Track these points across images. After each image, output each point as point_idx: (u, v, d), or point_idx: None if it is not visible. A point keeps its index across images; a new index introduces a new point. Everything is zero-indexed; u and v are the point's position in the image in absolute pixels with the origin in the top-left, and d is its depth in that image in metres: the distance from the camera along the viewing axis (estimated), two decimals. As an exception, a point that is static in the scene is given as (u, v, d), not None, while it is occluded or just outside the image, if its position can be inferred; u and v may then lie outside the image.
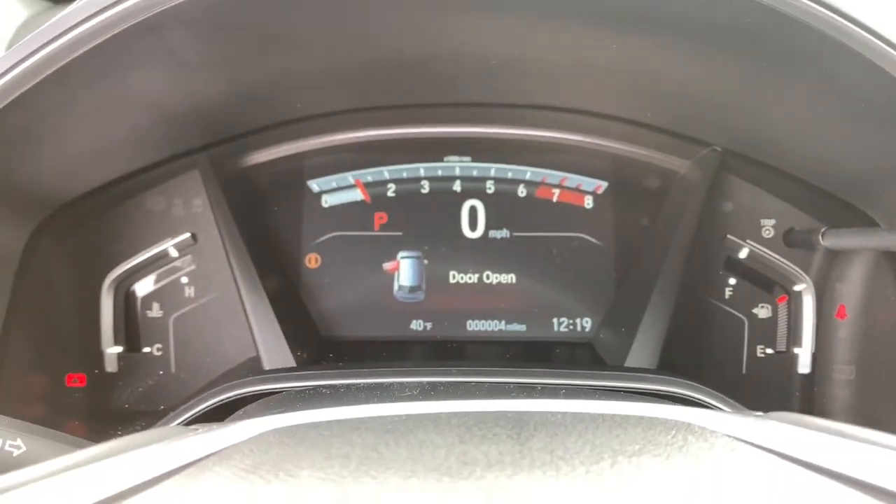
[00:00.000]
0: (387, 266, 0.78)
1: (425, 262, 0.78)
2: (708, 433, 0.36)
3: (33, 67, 0.48)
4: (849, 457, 0.35)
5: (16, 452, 0.48)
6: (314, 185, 0.78)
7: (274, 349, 0.66)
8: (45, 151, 0.58)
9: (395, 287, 0.77)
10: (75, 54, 0.47)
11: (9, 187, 0.60)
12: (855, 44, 0.48)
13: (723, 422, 0.39)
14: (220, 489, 0.30)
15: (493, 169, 0.78)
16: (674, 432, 0.37)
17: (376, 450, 0.34)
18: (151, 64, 0.54)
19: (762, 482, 0.31)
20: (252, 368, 0.69)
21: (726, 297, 0.75)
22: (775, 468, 0.33)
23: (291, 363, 0.66)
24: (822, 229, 0.71)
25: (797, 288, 0.75)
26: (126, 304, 0.75)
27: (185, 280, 0.75)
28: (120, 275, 0.74)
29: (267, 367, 0.65)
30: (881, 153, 0.60)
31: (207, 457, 0.34)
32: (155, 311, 0.75)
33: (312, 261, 0.78)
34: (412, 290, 0.78)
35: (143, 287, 0.75)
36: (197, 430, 0.40)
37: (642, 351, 0.67)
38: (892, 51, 0.48)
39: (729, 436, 0.37)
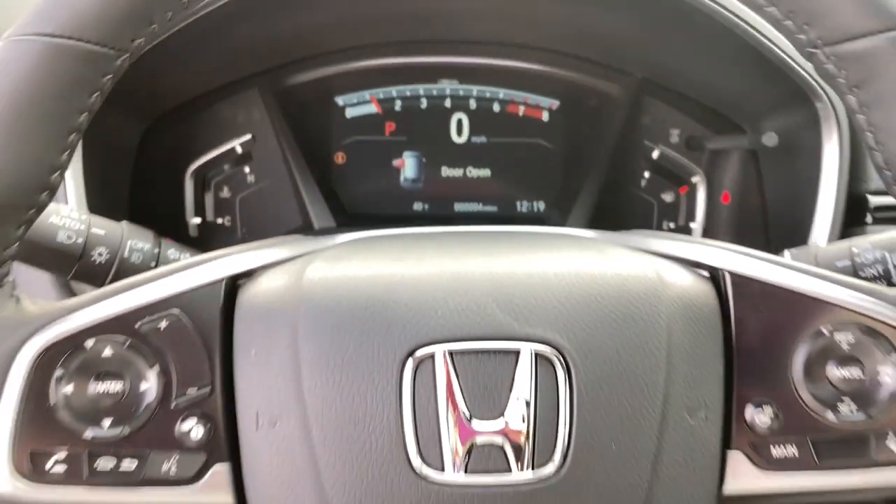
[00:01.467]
0: (395, 162, 1.05)
1: (424, 160, 1.05)
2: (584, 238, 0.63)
3: None
4: (677, 246, 0.61)
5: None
6: (340, 100, 1.04)
7: (321, 216, 0.94)
8: (171, 66, 0.83)
9: (402, 178, 1.05)
10: None
11: (137, 92, 0.85)
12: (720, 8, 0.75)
13: (598, 235, 0.66)
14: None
15: (475, 90, 1.03)
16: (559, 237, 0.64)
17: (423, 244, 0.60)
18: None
19: (619, 252, 0.58)
20: (303, 232, 0.96)
21: (642, 186, 1.04)
22: (627, 250, 0.59)
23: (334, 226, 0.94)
24: (710, 135, 0.99)
25: (694, 180, 1.03)
26: (203, 187, 1.01)
27: (247, 169, 1.01)
28: (199, 165, 1.00)
29: (317, 227, 0.93)
30: (742, 81, 0.88)
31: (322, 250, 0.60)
32: (225, 193, 1.02)
33: (340, 158, 1.04)
34: (414, 181, 1.05)
35: (216, 174, 1.02)
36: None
37: (576, 223, 0.96)
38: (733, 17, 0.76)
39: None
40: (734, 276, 0.53)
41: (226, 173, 1.01)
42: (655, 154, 1.01)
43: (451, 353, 0.48)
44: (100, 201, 0.82)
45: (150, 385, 0.50)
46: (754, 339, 0.52)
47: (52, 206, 0.64)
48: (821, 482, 0.51)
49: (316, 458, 0.48)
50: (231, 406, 0.51)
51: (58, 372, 0.49)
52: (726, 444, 0.51)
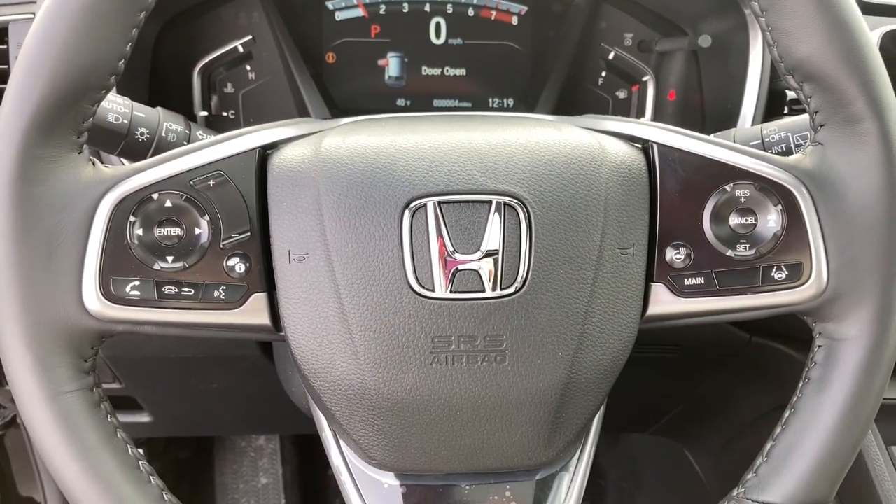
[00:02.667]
0: (380, 62, 1.17)
1: (406, 59, 1.17)
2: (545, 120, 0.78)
3: None
4: (617, 124, 0.74)
5: None
6: (330, 4, 1.14)
7: (317, 110, 1.07)
8: None
9: (386, 77, 1.17)
10: None
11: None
12: None
13: (556, 118, 0.81)
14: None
15: (452, -4, 1.16)
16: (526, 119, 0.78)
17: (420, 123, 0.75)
18: None
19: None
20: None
21: (599, 84, 1.17)
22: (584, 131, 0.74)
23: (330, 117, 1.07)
24: (658, 38, 1.13)
25: (644, 79, 1.16)
26: (209, 84, 1.13)
27: (248, 67, 1.13)
28: (205, 64, 1.11)
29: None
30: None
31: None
32: (229, 89, 1.13)
33: (330, 57, 1.16)
34: (397, 79, 1.16)
35: (220, 73, 1.13)
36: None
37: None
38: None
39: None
40: (660, 146, 0.68)
41: (229, 71, 1.12)
42: (611, 55, 1.14)
43: (439, 204, 0.63)
44: (127, 94, 0.93)
45: (202, 230, 0.62)
46: (674, 195, 0.67)
47: None
48: (721, 304, 0.68)
49: (337, 284, 0.63)
50: (266, 247, 0.64)
51: (131, 218, 0.61)
52: (650, 277, 0.67)
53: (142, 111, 0.79)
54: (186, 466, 1.67)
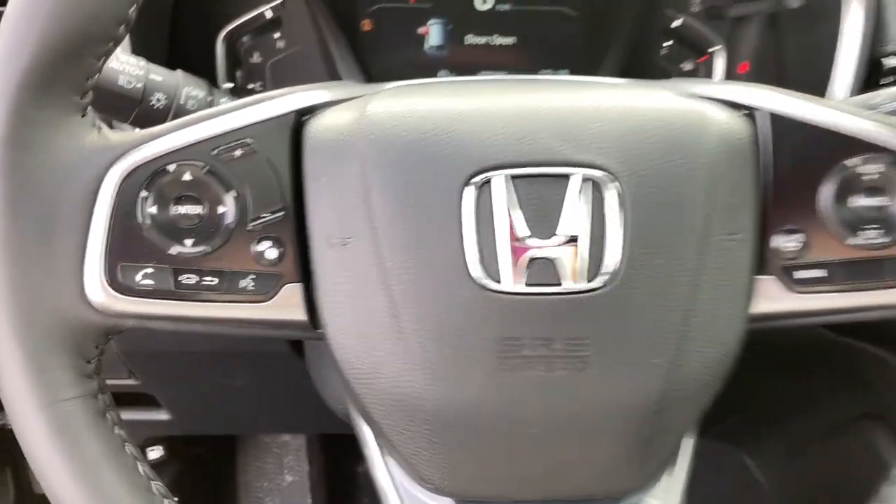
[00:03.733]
0: (420, 30, 1.07)
1: (448, 27, 1.06)
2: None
3: None
4: (717, 88, 0.61)
5: None
6: (366, -34, 1.05)
7: (355, 78, 0.97)
8: None
9: (427, 46, 1.07)
10: None
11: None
12: None
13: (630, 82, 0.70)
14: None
15: (500, -44, 1.05)
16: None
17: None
18: None
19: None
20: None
21: (661, 55, 1.06)
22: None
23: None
24: (732, 2, 1.02)
25: (713, 49, 1.05)
26: (234, 52, 1.03)
27: (277, 35, 1.03)
28: (230, 30, 1.02)
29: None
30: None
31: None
32: (255, 59, 1.03)
33: (366, 25, 1.06)
34: (439, 48, 1.06)
35: (247, 41, 1.03)
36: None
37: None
38: None
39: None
40: (771, 114, 0.57)
41: (256, 39, 1.02)
42: (676, 23, 1.03)
43: (509, 178, 0.53)
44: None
45: (227, 208, 0.54)
46: (787, 170, 0.56)
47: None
48: (843, 302, 0.57)
49: (386, 273, 0.53)
50: (302, 229, 0.55)
51: (143, 193, 0.53)
52: (758, 268, 0.56)
53: (159, 74, 0.69)
54: (208, 464, 1.58)
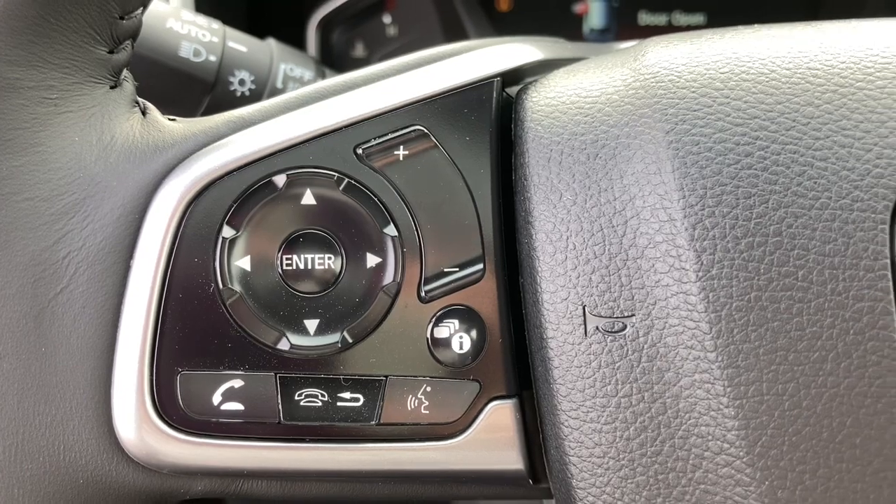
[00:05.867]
0: (577, 8, 0.80)
1: (615, 4, 0.80)
2: None
3: None
4: None
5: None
6: (504, -74, 0.80)
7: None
8: None
9: (586, 29, 0.80)
10: None
11: None
12: None
13: None
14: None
15: None
16: None
17: None
18: None
19: None
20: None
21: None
22: None
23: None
24: None
25: None
26: (330, 43, 0.79)
27: (387, 20, 0.78)
28: (327, 14, 0.77)
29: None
30: None
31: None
32: (359, 51, 0.79)
33: (504, 3, 0.81)
34: (602, 31, 0.80)
35: (348, 28, 0.79)
36: None
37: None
38: None
39: None
40: None
41: (359, 26, 0.78)
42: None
43: None
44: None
45: (383, 259, 0.29)
46: None
47: (169, 8, 0.41)
48: None
49: (714, 388, 0.25)
50: (519, 297, 0.28)
51: (226, 232, 0.27)
52: None
53: (241, 42, 0.44)
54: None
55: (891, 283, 0.25)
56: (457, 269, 0.30)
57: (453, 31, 0.76)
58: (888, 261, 0.25)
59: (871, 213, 0.26)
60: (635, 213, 0.28)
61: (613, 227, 0.28)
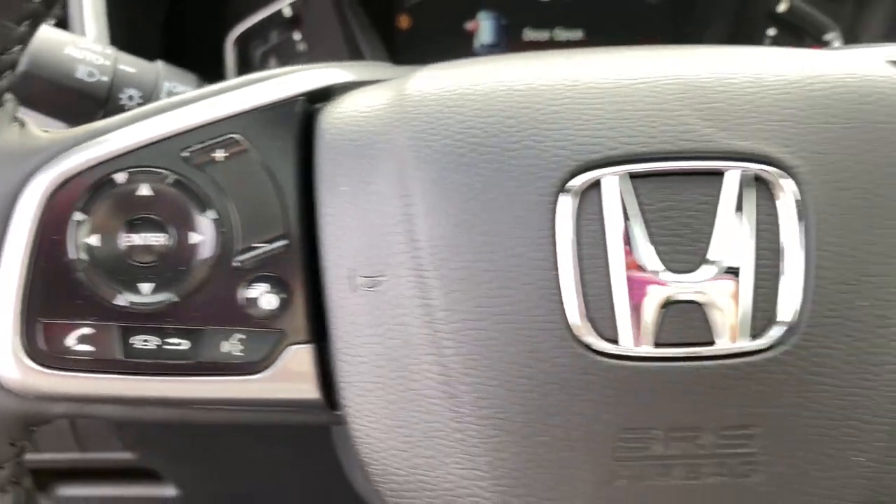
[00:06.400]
0: (468, 25, 0.89)
1: (503, 21, 0.89)
2: None
3: None
4: None
5: None
6: (403, -48, 0.89)
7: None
8: None
9: (476, 45, 0.89)
10: None
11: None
12: None
13: None
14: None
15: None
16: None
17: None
18: None
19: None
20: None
21: (764, 45, 0.87)
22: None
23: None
24: (854, -21, 0.83)
25: (828, 37, 0.86)
26: (247, 58, 0.87)
27: (297, 36, 0.87)
28: (241, 34, 0.85)
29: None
30: None
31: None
32: (272, 65, 0.87)
33: (404, 22, 0.89)
34: (491, 46, 0.89)
35: (262, 44, 0.87)
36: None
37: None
38: None
39: None
40: None
41: (272, 41, 0.85)
42: (782, 7, 0.84)
43: (628, 177, 0.34)
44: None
45: (204, 237, 0.39)
46: None
47: (67, 35, 0.50)
48: None
49: (436, 329, 0.35)
50: (313, 266, 0.37)
51: (77, 216, 0.36)
52: None
53: (131, 65, 0.53)
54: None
55: (552, 253, 0.34)
56: (265, 245, 0.39)
57: (355, 48, 0.84)
58: (549, 231, 0.34)
59: (542, 196, 0.35)
60: (388, 200, 0.37)
61: (373, 210, 0.37)
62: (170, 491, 0.99)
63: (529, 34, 0.89)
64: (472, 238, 0.35)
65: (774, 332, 0.34)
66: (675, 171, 0.35)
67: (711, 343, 0.34)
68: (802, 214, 0.34)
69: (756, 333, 0.34)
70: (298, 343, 0.38)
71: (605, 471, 0.34)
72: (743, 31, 0.86)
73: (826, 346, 0.34)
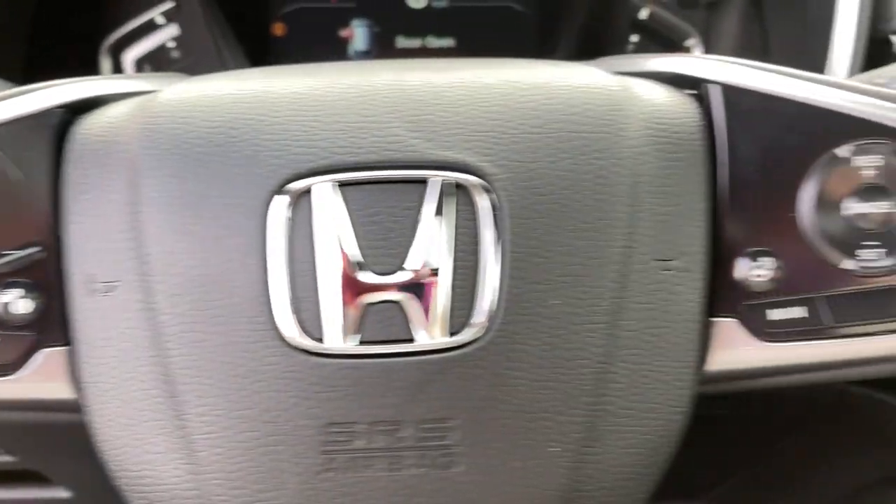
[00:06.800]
0: (343, 32, 0.91)
1: (375, 29, 0.91)
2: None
3: None
4: (655, 61, 0.47)
5: None
6: (278, -40, 0.90)
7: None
8: None
9: (351, 51, 0.91)
10: None
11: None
12: None
13: None
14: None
15: (433, -55, 0.90)
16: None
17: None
18: None
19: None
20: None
21: (627, 52, 0.90)
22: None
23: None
24: (705, -12, 0.85)
25: (688, 43, 0.89)
26: (119, 66, 0.88)
27: (171, 45, 0.88)
28: (116, 40, 0.87)
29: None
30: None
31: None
32: (147, 72, 0.89)
33: (279, 29, 0.91)
34: (364, 53, 0.91)
35: (136, 51, 0.88)
36: None
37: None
38: None
39: None
40: (727, 88, 0.40)
41: (147, 49, 0.87)
42: (643, 14, 0.87)
43: (337, 185, 0.36)
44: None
45: None
46: (750, 168, 0.40)
47: None
48: (835, 350, 0.39)
49: (159, 332, 0.37)
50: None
51: None
52: (710, 305, 0.39)
53: None
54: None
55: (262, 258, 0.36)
56: (17, 251, 0.40)
57: (221, 57, 0.86)
58: (260, 237, 0.36)
59: (254, 203, 0.37)
60: (121, 207, 0.39)
61: (110, 217, 0.39)
62: (62, 493, 0.99)
63: (402, 42, 0.91)
64: (192, 244, 0.37)
65: (471, 329, 0.36)
66: (380, 179, 0.37)
67: (411, 340, 0.36)
68: (499, 219, 0.36)
69: (455, 330, 0.36)
70: (53, 346, 0.40)
71: (311, 464, 0.36)
72: (606, 39, 0.88)
73: (520, 343, 0.36)
